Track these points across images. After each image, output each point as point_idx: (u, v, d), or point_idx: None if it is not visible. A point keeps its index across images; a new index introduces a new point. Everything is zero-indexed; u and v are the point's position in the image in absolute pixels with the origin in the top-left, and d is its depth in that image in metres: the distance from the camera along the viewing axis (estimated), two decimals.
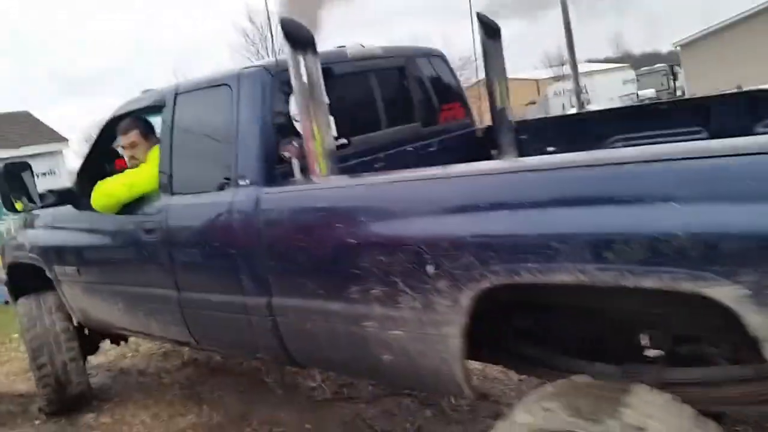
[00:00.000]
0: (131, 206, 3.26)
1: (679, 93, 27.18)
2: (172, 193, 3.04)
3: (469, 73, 32.16)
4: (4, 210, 7.04)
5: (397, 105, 3.40)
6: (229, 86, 2.80)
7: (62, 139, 8.68)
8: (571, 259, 1.66)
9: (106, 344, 4.77)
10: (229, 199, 2.69)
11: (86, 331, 4.41)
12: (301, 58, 2.43)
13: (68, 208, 3.69)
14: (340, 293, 2.29)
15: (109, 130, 3.59)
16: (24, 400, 4.75)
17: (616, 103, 20.70)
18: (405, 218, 2.09)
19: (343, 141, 2.95)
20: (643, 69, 34.48)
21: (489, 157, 3.62)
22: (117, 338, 4.59)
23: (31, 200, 3.52)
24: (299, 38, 2.43)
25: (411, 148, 3.27)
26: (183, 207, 2.97)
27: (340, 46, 3.26)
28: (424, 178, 2.18)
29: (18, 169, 3.49)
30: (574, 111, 16.00)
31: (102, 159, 3.75)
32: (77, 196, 3.63)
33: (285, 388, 4.22)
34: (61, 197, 3.74)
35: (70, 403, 4.34)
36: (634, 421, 1.56)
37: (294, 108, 2.67)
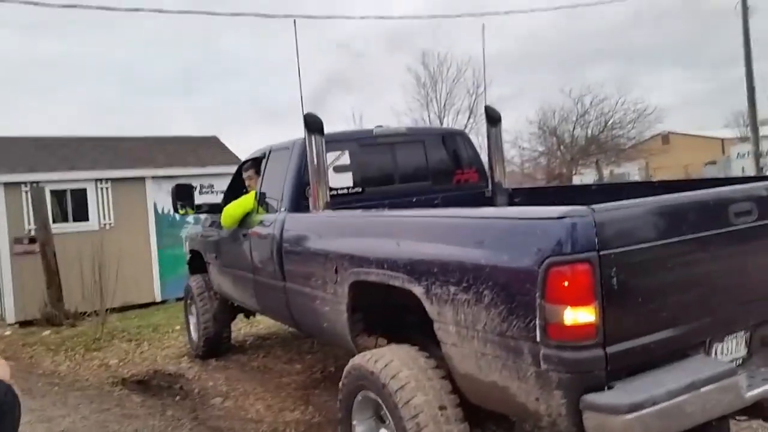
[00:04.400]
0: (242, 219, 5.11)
1: None
2: (257, 212, 4.82)
3: (642, 126, 29.88)
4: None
5: (412, 168, 4.80)
6: (289, 149, 4.50)
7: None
8: (375, 268, 3.00)
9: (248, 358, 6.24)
10: (274, 218, 4.36)
11: (230, 304, 6.43)
12: (312, 139, 4.00)
13: (214, 215, 5.73)
14: (308, 281, 3.80)
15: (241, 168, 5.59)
16: (171, 379, 5.88)
17: None
18: (330, 239, 3.57)
19: (358, 189, 4.48)
20: None
21: None
22: (245, 312, 6.50)
23: (191, 208, 5.59)
24: (313, 126, 4.00)
25: (415, 199, 4.64)
26: (260, 220, 4.71)
27: (377, 126, 4.78)
28: (338, 217, 3.69)
29: (184, 187, 5.58)
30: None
31: (238, 185, 5.71)
32: (222, 207, 5.61)
33: None
34: (211, 208, 5.78)
35: (217, 350, 6.32)
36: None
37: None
